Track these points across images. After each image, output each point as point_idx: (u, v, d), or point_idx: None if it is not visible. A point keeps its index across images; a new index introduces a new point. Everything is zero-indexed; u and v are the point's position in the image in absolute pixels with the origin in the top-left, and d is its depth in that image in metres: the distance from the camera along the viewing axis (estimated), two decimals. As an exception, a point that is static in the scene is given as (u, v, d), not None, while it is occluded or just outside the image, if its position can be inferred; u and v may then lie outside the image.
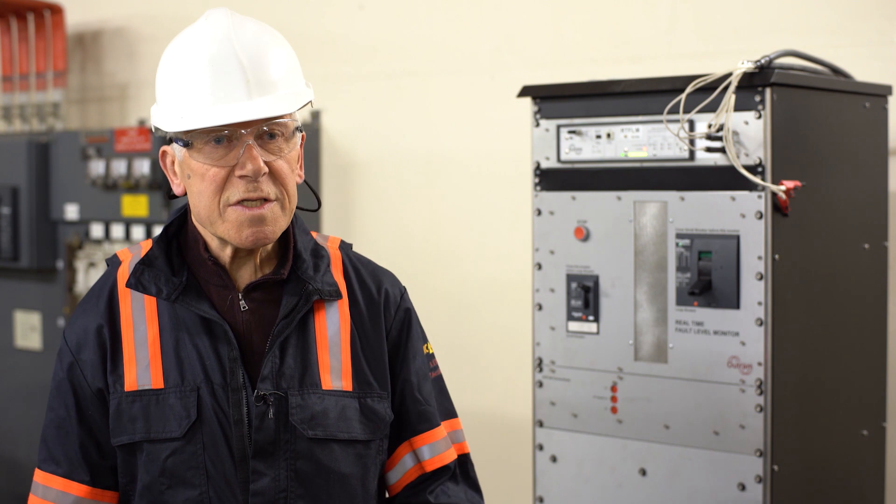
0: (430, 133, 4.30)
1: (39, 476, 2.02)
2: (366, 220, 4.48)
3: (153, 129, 1.99)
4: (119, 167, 4.57)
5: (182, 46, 1.95)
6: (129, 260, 2.05)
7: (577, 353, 2.94)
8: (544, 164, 2.98)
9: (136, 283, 1.98)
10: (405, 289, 2.16)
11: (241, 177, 1.89)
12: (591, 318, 2.91)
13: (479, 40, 4.16)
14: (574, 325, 2.94)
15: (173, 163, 1.99)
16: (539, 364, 3.00)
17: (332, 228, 4.55)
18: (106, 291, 2.02)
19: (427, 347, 2.16)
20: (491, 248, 4.14)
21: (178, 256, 2.01)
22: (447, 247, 4.27)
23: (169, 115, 1.92)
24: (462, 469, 2.15)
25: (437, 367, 2.17)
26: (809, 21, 3.48)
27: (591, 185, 2.90)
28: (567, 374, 2.96)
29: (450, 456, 2.12)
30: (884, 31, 3.38)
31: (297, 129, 1.96)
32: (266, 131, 1.91)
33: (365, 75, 4.46)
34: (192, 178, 1.93)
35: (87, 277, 4.70)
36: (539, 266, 2.99)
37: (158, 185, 4.51)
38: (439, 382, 2.17)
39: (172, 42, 1.98)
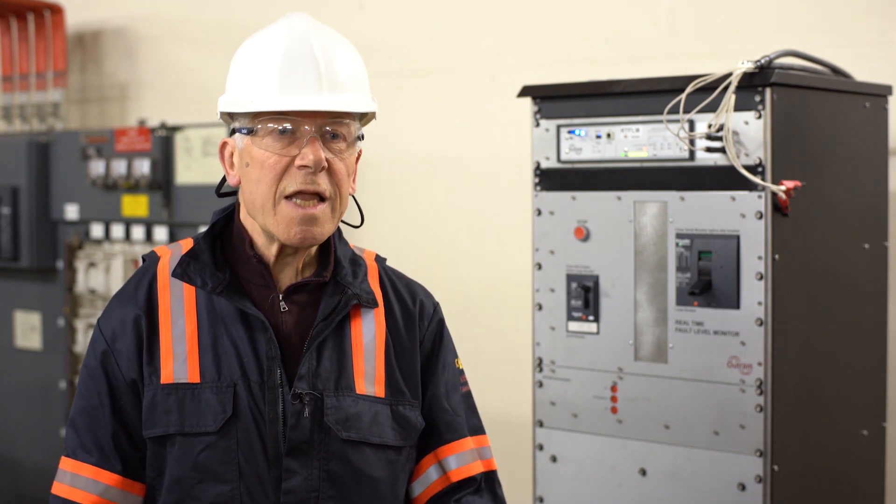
0: (431, 133, 4.30)
1: (68, 464, 2.01)
2: (366, 219, 4.47)
3: (219, 116, 2.02)
4: (119, 167, 4.57)
5: (261, 38, 1.99)
6: (168, 256, 2.05)
7: (577, 353, 2.94)
8: (544, 164, 2.98)
9: (182, 273, 1.99)
10: (438, 303, 2.19)
11: (300, 167, 1.91)
12: (591, 318, 2.91)
13: (479, 40, 4.16)
14: (574, 325, 2.94)
15: (231, 154, 2.01)
16: (539, 364, 3.00)
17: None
18: (145, 283, 2.03)
19: (458, 363, 2.17)
20: (491, 248, 4.14)
21: (221, 254, 2.02)
22: (447, 247, 4.27)
23: (239, 99, 1.95)
24: (489, 486, 2.14)
25: (466, 383, 2.18)
26: (809, 21, 3.48)
27: (591, 185, 2.90)
28: (567, 374, 2.96)
29: (476, 468, 2.11)
30: (884, 31, 3.38)
31: (359, 136, 2.00)
32: (329, 130, 1.94)
33: (365, 75, 4.45)
34: (251, 167, 1.95)
35: (86, 277, 4.71)
36: (539, 266, 2.99)
37: (158, 185, 4.51)
38: (468, 398, 2.17)
39: (252, 36, 2.02)
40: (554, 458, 2.99)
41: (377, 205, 4.46)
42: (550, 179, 2.97)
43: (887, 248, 3.11)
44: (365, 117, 2.05)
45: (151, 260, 2.07)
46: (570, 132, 2.93)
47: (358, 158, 2.05)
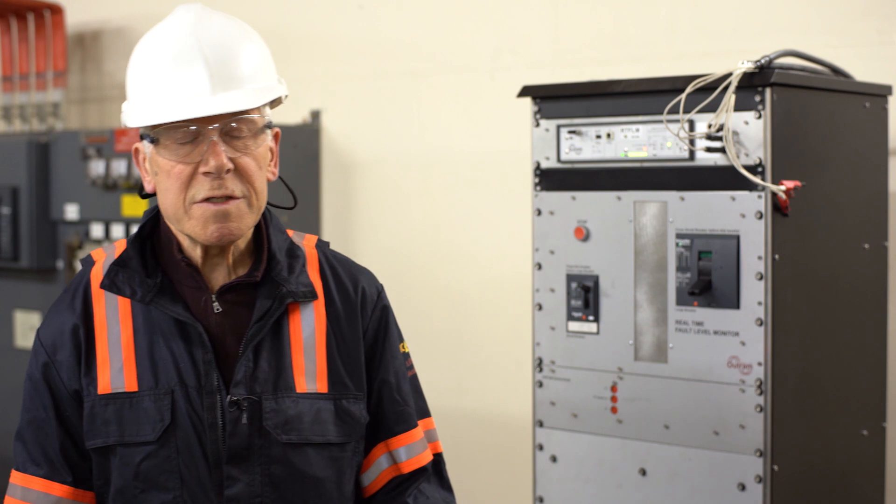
0: (431, 133, 4.30)
1: (18, 478, 1.99)
2: (366, 220, 4.48)
3: (124, 126, 1.97)
4: (119, 167, 4.57)
5: (149, 43, 1.94)
6: (102, 260, 2.02)
7: (577, 353, 2.94)
8: (544, 164, 2.98)
9: (110, 283, 1.95)
10: (382, 287, 2.14)
11: (205, 173, 1.87)
12: (591, 318, 2.91)
13: (479, 40, 4.16)
14: (574, 325, 2.94)
15: (145, 160, 1.96)
16: (539, 364, 3.00)
17: (332, 228, 4.55)
18: (81, 291, 2.00)
19: (403, 346, 2.13)
20: (491, 247, 4.14)
21: (152, 258, 1.99)
22: (447, 247, 4.27)
23: (135, 111, 1.91)
24: (436, 468, 2.13)
25: (412, 367, 2.15)
26: (809, 21, 3.48)
27: (591, 185, 2.90)
28: (567, 374, 2.96)
29: (426, 457, 2.10)
30: (884, 31, 3.38)
31: (266, 125, 1.94)
32: (233, 127, 1.89)
33: (365, 75, 4.46)
34: (160, 175, 1.91)
35: (87, 277, 4.70)
36: (539, 266, 2.99)
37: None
38: (415, 381, 2.14)
39: (141, 39, 1.97)
40: (554, 458, 2.99)
41: (377, 205, 4.46)
42: (550, 179, 2.97)
43: (887, 248, 3.10)
44: (275, 101, 1.98)
45: (87, 265, 2.03)
46: (569, 132, 2.93)
47: (277, 139, 2.00)
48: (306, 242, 2.09)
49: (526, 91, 2.99)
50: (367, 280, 2.11)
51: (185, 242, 1.97)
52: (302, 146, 4.52)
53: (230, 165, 1.87)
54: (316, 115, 4.58)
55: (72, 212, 4.75)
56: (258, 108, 1.92)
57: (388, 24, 4.39)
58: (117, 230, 4.63)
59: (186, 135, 1.87)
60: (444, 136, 4.26)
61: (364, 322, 2.06)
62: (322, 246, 2.11)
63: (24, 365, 5.47)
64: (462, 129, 4.21)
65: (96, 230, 4.70)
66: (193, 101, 1.85)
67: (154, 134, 1.89)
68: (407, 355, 2.14)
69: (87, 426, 1.95)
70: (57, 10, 5.14)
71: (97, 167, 4.63)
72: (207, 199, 1.88)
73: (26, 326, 4.98)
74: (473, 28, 4.18)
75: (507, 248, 4.06)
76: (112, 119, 5.29)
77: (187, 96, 1.86)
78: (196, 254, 1.96)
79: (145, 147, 1.94)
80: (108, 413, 1.93)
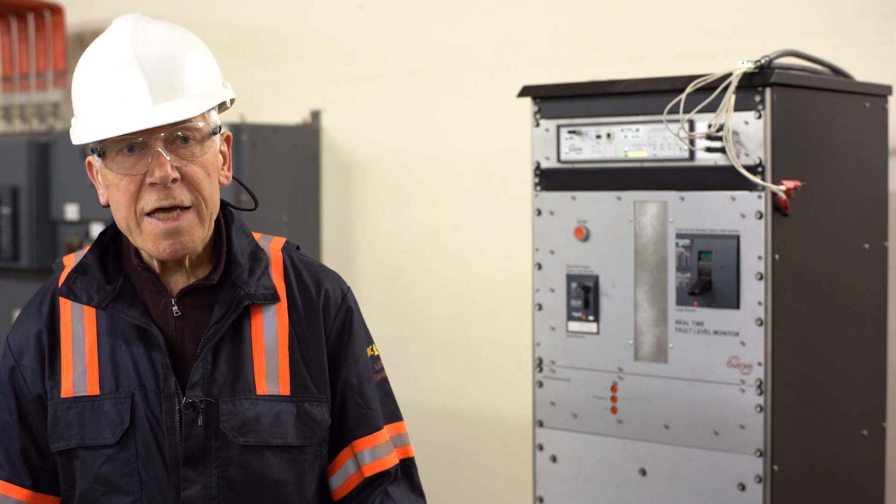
0: (430, 133, 4.30)
1: None
2: (366, 220, 4.48)
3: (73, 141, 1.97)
4: (119, 167, 4.57)
5: (88, 58, 1.94)
6: (71, 265, 2.03)
7: (577, 353, 2.94)
8: (544, 164, 2.98)
9: (67, 291, 1.97)
10: (349, 288, 2.13)
11: (151, 184, 1.87)
12: (591, 318, 2.91)
13: (479, 40, 4.16)
14: (574, 325, 2.94)
15: (97, 173, 1.96)
16: (539, 364, 3.00)
17: (332, 228, 4.55)
18: (49, 297, 2.02)
19: (372, 349, 2.12)
20: (491, 247, 4.14)
21: (115, 262, 2.00)
22: (447, 247, 4.27)
23: (80, 127, 1.91)
24: (405, 472, 2.12)
25: (382, 370, 2.13)
26: (809, 21, 3.48)
27: (590, 185, 2.90)
28: (567, 374, 2.96)
29: (391, 461, 2.09)
30: (884, 31, 3.38)
31: (213, 131, 1.93)
32: (179, 136, 1.88)
33: (365, 75, 4.45)
34: (110, 189, 1.92)
35: (87, 277, 4.70)
36: (539, 266, 2.99)
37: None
38: (384, 385, 2.13)
39: (86, 50, 1.97)
40: (554, 458, 2.99)
41: (377, 205, 4.46)
42: (550, 179, 2.97)
43: (887, 248, 3.10)
44: (222, 105, 1.98)
45: (57, 269, 2.05)
46: (569, 132, 2.93)
47: (229, 142, 2.00)
48: (273, 245, 2.09)
49: (526, 91, 2.99)
50: (332, 282, 2.09)
51: (143, 250, 1.97)
52: (302, 146, 4.52)
53: (175, 175, 1.87)
54: (316, 115, 4.58)
55: (72, 212, 4.75)
56: (202, 115, 1.91)
57: (387, 24, 4.39)
58: (117, 230, 4.63)
59: (133, 147, 1.87)
60: (444, 136, 4.26)
61: (327, 324, 2.05)
62: (288, 248, 2.10)
63: (24, 365, 5.40)
64: (462, 129, 4.21)
65: (96, 230, 4.69)
66: (133, 115, 1.85)
67: (101, 148, 1.90)
68: (376, 358, 2.13)
69: (51, 429, 1.97)
70: (57, 10, 5.14)
71: (97, 167, 4.63)
72: (157, 210, 1.88)
73: (26, 326, 4.98)
74: (473, 28, 4.18)
75: (507, 248, 4.05)
76: (112, 119, 5.28)
77: (128, 109, 1.85)
78: (153, 261, 1.97)
79: (95, 161, 1.94)
80: (70, 416, 1.95)
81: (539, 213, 2.99)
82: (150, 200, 1.88)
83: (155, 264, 1.97)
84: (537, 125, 2.98)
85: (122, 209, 1.90)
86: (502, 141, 4.07)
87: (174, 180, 1.87)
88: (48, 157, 4.81)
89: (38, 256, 4.82)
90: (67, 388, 1.96)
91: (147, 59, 1.88)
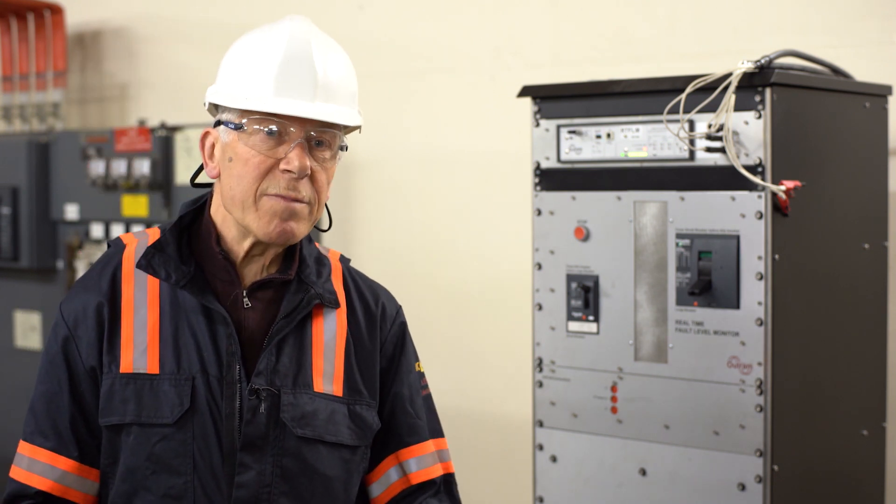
0: (430, 133, 4.30)
1: (25, 448, 2.01)
2: (366, 220, 4.48)
3: (206, 106, 2.02)
4: (119, 167, 4.58)
5: (261, 36, 1.98)
6: (134, 244, 2.05)
7: (577, 353, 2.94)
8: (544, 164, 2.98)
9: (146, 265, 1.99)
10: (401, 307, 2.19)
11: (284, 171, 1.92)
12: (591, 318, 2.91)
13: (479, 40, 4.16)
14: (574, 325, 2.94)
15: (213, 145, 2.00)
16: (539, 364, 3.00)
17: (332, 228, 4.54)
18: (109, 271, 2.03)
19: (419, 366, 2.18)
20: (491, 248, 4.15)
21: (187, 248, 2.02)
22: (447, 247, 4.27)
23: (232, 94, 1.95)
24: (447, 487, 2.15)
25: (427, 386, 2.19)
26: (809, 21, 3.48)
27: (591, 185, 2.90)
28: (567, 374, 2.96)
29: (436, 471, 2.12)
30: (884, 31, 3.38)
31: (341, 147, 2.00)
32: (315, 137, 1.95)
33: (365, 75, 4.40)
34: (234, 162, 1.95)
35: (87, 277, 4.70)
36: (539, 266, 3.00)
37: (159, 185, 4.51)
38: (429, 401, 2.18)
39: (251, 32, 2.01)
40: (554, 458, 2.99)
41: (377, 205, 4.46)
42: (550, 179, 2.97)
43: (887, 248, 3.11)
44: (348, 129, 2.05)
45: (117, 247, 2.06)
46: (569, 132, 2.93)
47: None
48: (331, 255, 2.16)
49: (526, 91, 3.00)
50: (387, 297, 2.17)
51: (230, 235, 2.01)
52: (302, 146, 4.52)
53: (309, 170, 1.93)
54: (316, 115, 4.58)
55: (72, 212, 4.75)
56: (341, 130, 1.99)
57: (388, 24, 4.39)
58: (117, 230, 4.63)
59: (273, 131, 1.92)
60: (444, 136, 4.26)
61: (382, 335, 2.12)
62: (345, 261, 2.18)
63: (24, 365, 5.50)
64: (462, 130, 4.21)
65: (96, 230, 4.70)
66: (297, 102, 1.91)
67: (241, 121, 1.94)
68: (422, 375, 2.19)
69: (105, 403, 1.97)
70: (57, 10, 5.14)
71: (97, 167, 4.63)
72: (278, 196, 1.93)
73: (26, 326, 4.98)
74: (473, 28, 4.18)
75: (507, 248, 4.06)
76: (112, 119, 5.29)
77: (290, 95, 1.92)
78: (241, 247, 2.00)
79: (221, 133, 1.98)
80: (127, 392, 1.96)
81: (539, 213, 2.99)
82: (276, 185, 1.92)
83: (241, 251, 2.00)
84: (537, 125, 2.98)
85: (246, 183, 1.93)
86: (502, 141, 4.07)
87: (306, 175, 1.93)
88: (48, 157, 4.82)
89: (37, 256, 4.83)
90: (127, 364, 1.96)
91: (323, 59, 1.95)
